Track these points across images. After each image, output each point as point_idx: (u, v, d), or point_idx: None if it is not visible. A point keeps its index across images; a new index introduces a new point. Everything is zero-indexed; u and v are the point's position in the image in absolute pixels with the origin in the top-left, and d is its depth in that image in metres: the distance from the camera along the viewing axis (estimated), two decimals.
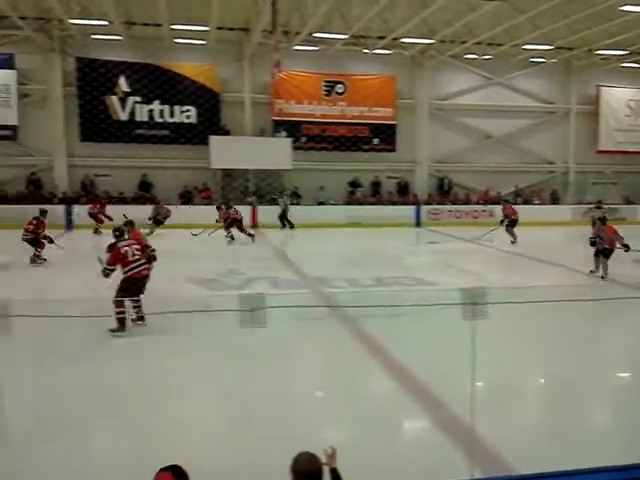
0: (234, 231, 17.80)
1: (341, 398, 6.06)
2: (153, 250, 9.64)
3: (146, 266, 8.38)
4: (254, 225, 21.59)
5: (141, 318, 8.16)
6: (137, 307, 8.14)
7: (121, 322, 7.80)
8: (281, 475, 2.96)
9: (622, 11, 18.48)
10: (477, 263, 14.86)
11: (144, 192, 22.73)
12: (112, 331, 7.76)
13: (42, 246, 13.68)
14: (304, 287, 11.54)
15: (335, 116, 24.31)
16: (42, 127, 21.98)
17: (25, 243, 13.63)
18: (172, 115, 22.91)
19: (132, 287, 7.97)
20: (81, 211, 20.39)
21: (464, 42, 22.81)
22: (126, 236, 8.74)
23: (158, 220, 19.01)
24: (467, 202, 24.97)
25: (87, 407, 5.66)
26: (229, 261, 14.56)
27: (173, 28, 20.75)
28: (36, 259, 13.49)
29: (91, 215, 19.55)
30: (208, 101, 23.14)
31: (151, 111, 22.72)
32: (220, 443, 5.21)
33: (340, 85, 24.30)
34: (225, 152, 22.38)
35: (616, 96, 26.79)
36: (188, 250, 16.27)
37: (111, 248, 8.34)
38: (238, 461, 4.63)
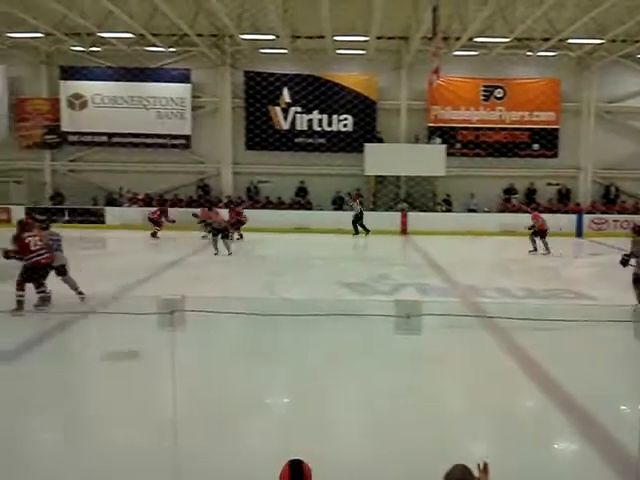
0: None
1: (490, 412, 5.97)
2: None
3: (46, 256, 9.45)
4: (404, 231, 21.70)
5: (44, 300, 9.30)
6: (40, 292, 9.33)
7: (19, 304, 8.93)
8: None
9: None
10: None
11: (300, 198, 23.75)
12: (12, 311, 8.68)
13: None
14: (454, 295, 11.42)
15: (493, 121, 23.65)
16: (212, 137, 23.85)
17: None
18: (330, 124, 23.71)
19: (33, 273, 9.20)
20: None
21: (637, 41, 21.10)
22: (35, 231, 9.71)
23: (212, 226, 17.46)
24: (636, 212, 22.98)
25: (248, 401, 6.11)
26: (380, 266, 14.77)
27: (335, 40, 21.51)
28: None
29: (151, 220, 20.49)
30: (365, 109, 23.65)
31: (310, 120, 23.70)
32: (367, 448, 5.35)
33: (499, 90, 23.59)
34: (379, 159, 22.71)
35: None
36: (340, 254, 16.75)
37: (16, 239, 9.31)
38: (388, 469, 4.75)
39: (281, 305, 9.01)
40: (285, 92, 23.58)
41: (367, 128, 23.66)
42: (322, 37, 21.23)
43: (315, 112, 23.68)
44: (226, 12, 18.43)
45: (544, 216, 17.73)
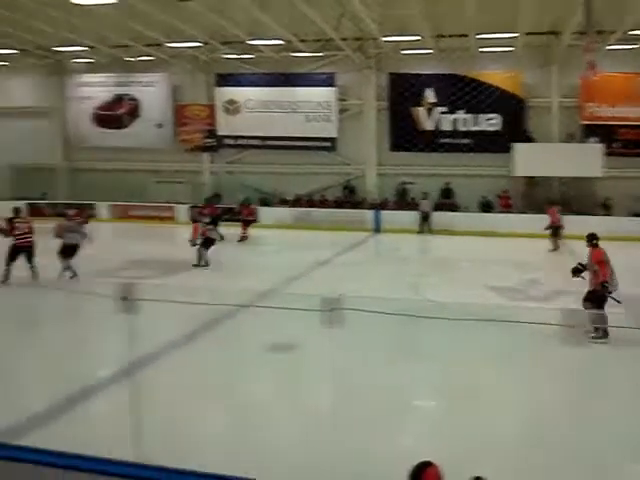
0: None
1: None
2: None
3: (27, 239, 11.91)
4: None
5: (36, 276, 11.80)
6: (31, 268, 11.89)
7: (6, 276, 11.63)
8: None
9: None
10: None
11: (446, 199, 23.38)
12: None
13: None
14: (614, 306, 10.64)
15: None
16: (356, 139, 24.23)
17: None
18: (475, 124, 23.12)
19: (16, 252, 11.84)
20: None
21: None
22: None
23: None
24: None
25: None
26: (529, 270, 14.16)
27: (479, 38, 20.92)
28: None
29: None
30: (512, 108, 22.75)
31: (455, 120, 23.26)
32: (524, 454, 5.21)
33: None
34: (529, 159, 21.74)
35: None
36: (487, 256, 16.31)
37: (8, 222, 12.01)
38: None
39: (431, 307, 8.97)
40: (428, 92, 23.33)
41: (515, 127, 22.73)
42: (465, 36, 20.76)
43: (460, 112, 23.19)
44: (369, 15, 18.61)
45: None
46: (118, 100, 25.95)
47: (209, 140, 25.72)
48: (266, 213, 23.88)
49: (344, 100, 24.44)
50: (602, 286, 8.20)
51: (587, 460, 4.90)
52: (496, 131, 22.93)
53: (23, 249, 11.92)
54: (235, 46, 23.23)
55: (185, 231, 23.64)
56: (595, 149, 21.40)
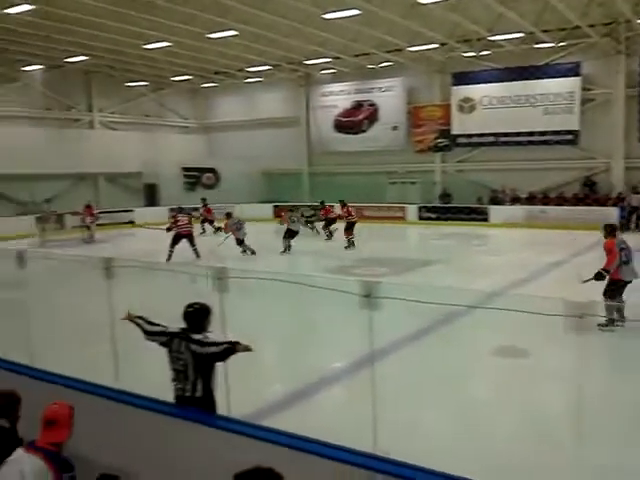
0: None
1: None
2: None
3: (187, 228, 15.41)
4: None
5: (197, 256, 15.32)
6: (194, 250, 15.36)
7: (169, 257, 14.88)
8: None
9: None
10: None
11: None
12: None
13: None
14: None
15: None
16: (601, 130, 22.57)
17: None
18: None
19: (178, 238, 15.17)
20: None
21: None
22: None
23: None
24: None
25: None
26: None
27: None
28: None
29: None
30: None
31: None
32: None
33: None
34: None
35: None
36: None
37: (173, 217, 16.54)
38: None
39: None
40: None
41: None
42: None
43: None
44: None
45: None
46: (358, 106, 27.54)
47: (441, 140, 26.04)
48: (496, 212, 23.51)
49: (589, 90, 22.95)
50: (598, 274, 8.18)
51: None
52: None
53: (184, 236, 15.40)
54: (473, 44, 23.26)
55: (414, 231, 24.36)
56: None
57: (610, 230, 8.76)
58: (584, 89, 22.86)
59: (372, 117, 27.32)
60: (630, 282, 8.31)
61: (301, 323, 9.75)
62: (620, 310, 7.65)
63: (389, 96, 26.82)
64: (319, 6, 17.76)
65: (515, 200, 23.99)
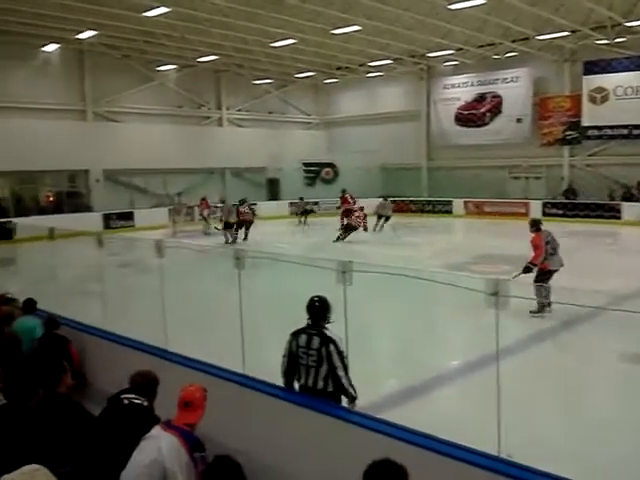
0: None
1: None
2: None
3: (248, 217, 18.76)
4: None
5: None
6: (246, 235, 18.65)
7: (234, 239, 18.44)
8: None
9: None
10: None
11: None
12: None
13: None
14: None
15: None
16: None
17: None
18: None
19: (240, 225, 18.49)
20: None
21: None
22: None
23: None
24: None
25: None
26: None
27: None
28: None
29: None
30: None
31: None
32: None
33: None
34: None
35: None
36: None
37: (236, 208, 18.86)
38: None
39: None
40: None
41: None
42: None
43: None
44: None
45: None
46: (481, 98, 26.79)
47: (570, 132, 24.67)
48: (629, 209, 21.89)
49: None
50: (526, 267, 9.14)
51: None
52: None
53: (245, 222, 18.42)
54: (607, 31, 21.78)
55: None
56: None
57: (534, 224, 9.48)
58: None
59: (495, 109, 26.44)
60: (557, 270, 9.14)
61: (421, 318, 9.72)
62: (548, 295, 8.81)
63: (514, 87, 25.81)
64: None
65: None
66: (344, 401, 4.41)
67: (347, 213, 19.23)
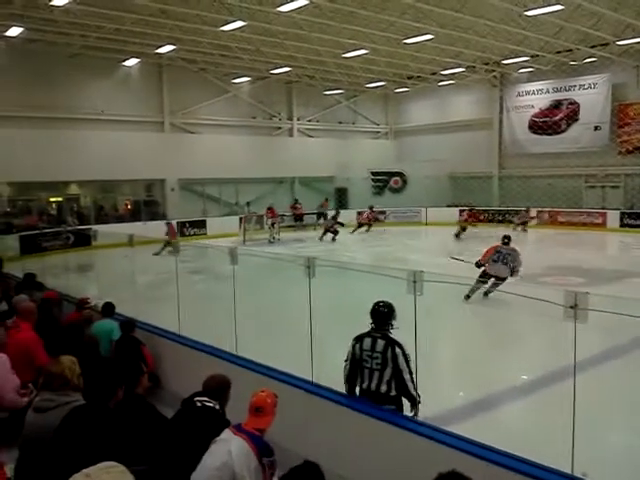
0: None
1: None
2: None
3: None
4: None
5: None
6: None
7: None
8: None
9: None
10: None
11: None
12: None
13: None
14: None
15: None
16: None
17: None
18: None
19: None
20: None
21: None
22: None
23: None
24: None
25: None
26: None
27: None
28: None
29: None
30: None
31: None
32: None
33: None
34: None
35: None
36: None
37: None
38: None
39: None
40: None
41: None
42: None
43: None
44: None
45: None
46: (556, 105, 25.98)
47: None
48: None
49: None
50: (476, 263, 11.09)
51: None
52: None
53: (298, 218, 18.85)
54: None
55: (615, 239, 22.12)
56: None
57: (503, 238, 11.44)
58: None
59: (572, 116, 25.55)
60: (497, 277, 10.78)
61: (492, 330, 9.53)
62: (487, 293, 10.95)
63: (592, 93, 24.88)
64: (519, 3, 17.09)
65: None
66: (405, 404, 4.40)
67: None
